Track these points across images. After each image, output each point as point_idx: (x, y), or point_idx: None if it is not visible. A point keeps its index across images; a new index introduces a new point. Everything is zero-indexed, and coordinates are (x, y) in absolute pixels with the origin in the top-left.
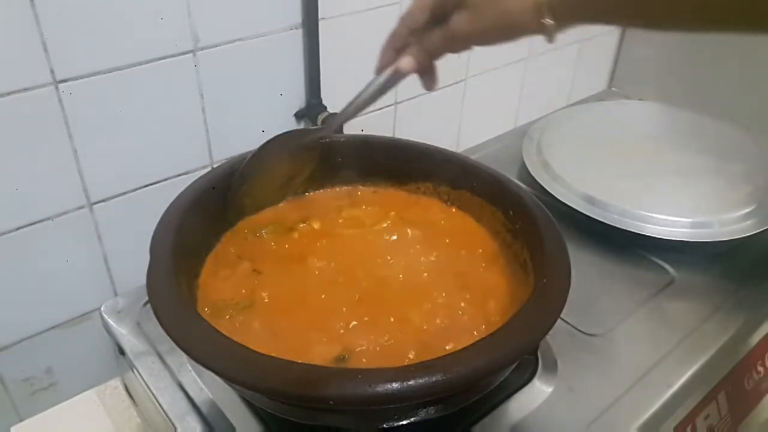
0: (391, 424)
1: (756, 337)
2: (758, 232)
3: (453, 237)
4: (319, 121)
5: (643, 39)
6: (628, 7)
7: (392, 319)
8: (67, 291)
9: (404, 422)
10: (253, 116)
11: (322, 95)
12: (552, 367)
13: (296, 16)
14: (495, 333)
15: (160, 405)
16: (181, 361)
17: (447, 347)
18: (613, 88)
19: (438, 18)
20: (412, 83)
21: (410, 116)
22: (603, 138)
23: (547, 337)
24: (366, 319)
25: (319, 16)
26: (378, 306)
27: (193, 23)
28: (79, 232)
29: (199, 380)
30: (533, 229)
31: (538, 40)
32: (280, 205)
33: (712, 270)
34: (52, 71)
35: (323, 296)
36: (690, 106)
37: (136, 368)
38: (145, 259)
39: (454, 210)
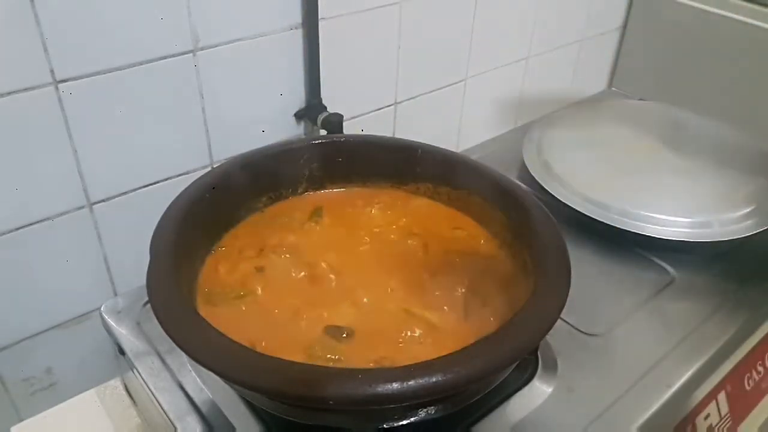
0: (391, 424)
1: (756, 337)
2: (758, 232)
3: (453, 237)
4: (319, 122)
5: (643, 39)
6: None
7: (391, 316)
8: (67, 291)
9: (404, 422)
10: (253, 116)
11: (322, 95)
12: (552, 367)
13: (296, 16)
14: (495, 333)
15: (160, 405)
16: (181, 361)
17: (446, 346)
18: (613, 88)
19: None
20: (411, 83)
21: (410, 116)
22: (603, 138)
23: (547, 337)
24: (364, 312)
25: (319, 16)
26: (378, 304)
27: (193, 23)
28: (79, 232)
29: (199, 380)
30: (533, 229)
31: (538, 38)
32: (294, 199)
33: (712, 270)
34: (52, 71)
35: (321, 290)
36: (690, 106)
37: (136, 368)
38: (145, 259)
39: (454, 210)
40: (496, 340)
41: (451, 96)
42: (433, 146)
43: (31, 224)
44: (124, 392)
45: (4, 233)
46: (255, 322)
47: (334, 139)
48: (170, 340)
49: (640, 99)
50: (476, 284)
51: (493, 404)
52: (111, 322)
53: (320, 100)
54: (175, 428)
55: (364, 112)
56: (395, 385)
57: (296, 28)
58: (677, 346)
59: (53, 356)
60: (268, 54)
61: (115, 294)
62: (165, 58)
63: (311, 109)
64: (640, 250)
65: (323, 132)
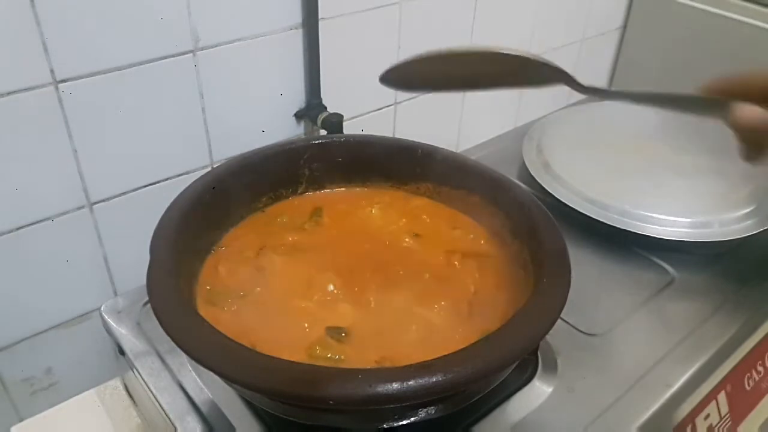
0: (391, 424)
1: (756, 337)
2: (758, 232)
3: (453, 237)
4: (319, 122)
5: (643, 39)
6: None
7: (391, 316)
8: (67, 291)
9: (404, 422)
10: (253, 116)
11: (322, 95)
12: (552, 367)
13: (296, 16)
14: (495, 333)
15: (160, 405)
16: (181, 361)
17: (446, 346)
18: (613, 88)
19: None
20: None
21: (410, 116)
22: (603, 138)
23: (547, 337)
24: (365, 312)
25: (319, 16)
26: (378, 304)
27: (193, 23)
28: (79, 232)
29: (199, 380)
30: (533, 229)
31: (538, 38)
32: (294, 199)
33: (712, 270)
34: (52, 71)
35: (322, 290)
36: None
37: (136, 368)
38: (145, 259)
39: (454, 210)
40: (496, 340)
41: (451, 96)
42: (433, 146)
43: (31, 224)
44: (124, 392)
45: (4, 233)
46: (255, 323)
47: (334, 139)
48: (170, 340)
49: None
50: (476, 284)
51: (493, 404)
52: (111, 322)
53: (320, 100)
54: (175, 428)
55: (364, 112)
56: (395, 385)
57: (296, 28)
58: (677, 346)
59: (53, 356)
60: (268, 54)
61: (115, 294)
62: (165, 58)
63: (311, 109)
64: (640, 250)
65: (323, 132)
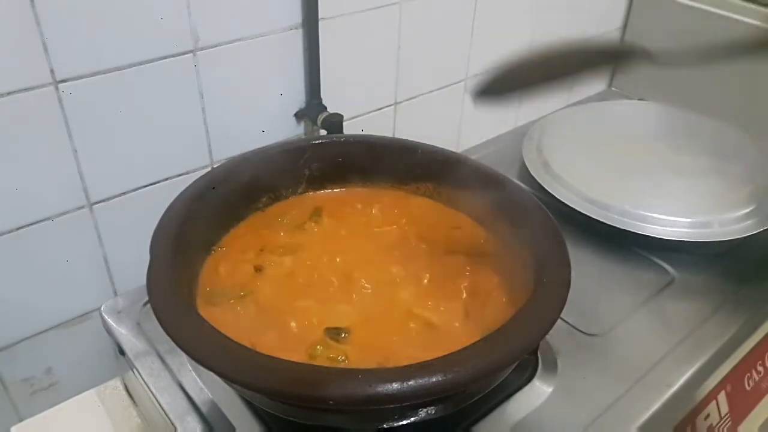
0: (391, 424)
1: (756, 337)
2: (758, 232)
3: (453, 237)
4: (319, 122)
5: (643, 39)
6: None
7: (391, 316)
8: (67, 291)
9: (404, 422)
10: (253, 116)
11: (322, 95)
12: (552, 367)
13: (296, 16)
14: (495, 333)
15: (160, 405)
16: (181, 361)
17: (446, 346)
18: (613, 88)
19: None
20: (411, 83)
21: (410, 116)
22: (603, 138)
23: (547, 337)
24: (365, 313)
25: (319, 16)
26: (378, 304)
27: (193, 23)
28: (79, 232)
29: (199, 380)
30: (533, 229)
31: (538, 38)
32: (294, 199)
33: (712, 270)
34: (52, 71)
35: (322, 290)
36: (690, 106)
37: (136, 368)
38: (145, 259)
39: (454, 210)
40: (495, 340)
41: (451, 96)
42: (433, 146)
43: (31, 224)
44: (124, 392)
45: (4, 233)
46: (255, 323)
47: (334, 139)
48: (170, 340)
49: (640, 99)
50: (476, 284)
51: (493, 404)
52: (111, 322)
53: (320, 100)
54: (175, 428)
55: (364, 112)
56: (395, 385)
57: (296, 28)
58: (677, 346)
59: (53, 356)
60: (268, 54)
61: (115, 294)
62: (165, 58)
63: (311, 109)
64: (640, 250)
65: (323, 132)
